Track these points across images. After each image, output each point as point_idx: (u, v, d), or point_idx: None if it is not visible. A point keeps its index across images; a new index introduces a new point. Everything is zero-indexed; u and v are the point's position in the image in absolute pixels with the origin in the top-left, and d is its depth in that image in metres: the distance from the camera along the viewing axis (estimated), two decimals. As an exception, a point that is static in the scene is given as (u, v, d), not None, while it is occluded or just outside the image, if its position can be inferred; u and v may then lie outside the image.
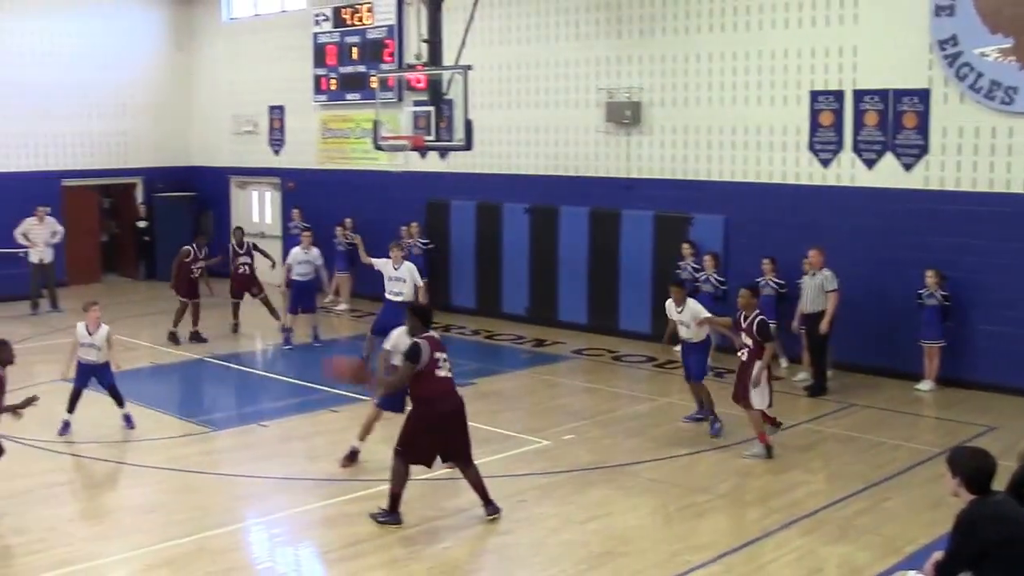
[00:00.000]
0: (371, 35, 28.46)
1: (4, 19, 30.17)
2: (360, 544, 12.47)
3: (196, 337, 23.92)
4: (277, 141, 31.86)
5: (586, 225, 24.29)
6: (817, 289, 19.43)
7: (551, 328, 24.69)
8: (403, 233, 26.25)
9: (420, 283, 20.43)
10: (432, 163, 26.64)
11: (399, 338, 14.23)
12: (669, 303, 17.30)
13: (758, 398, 15.65)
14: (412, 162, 24.22)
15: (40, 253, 27.59)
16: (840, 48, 20.62)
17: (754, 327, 15.72)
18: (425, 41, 22.42)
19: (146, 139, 33.38)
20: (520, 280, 25.50)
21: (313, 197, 30.02)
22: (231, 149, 33.38)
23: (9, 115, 30.32)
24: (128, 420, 17.19)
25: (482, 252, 26.14)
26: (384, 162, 25.56)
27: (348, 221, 28.01)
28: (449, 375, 13.04)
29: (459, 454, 13.20)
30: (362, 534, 12.75)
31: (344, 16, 29.13)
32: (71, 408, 16.88)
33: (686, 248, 21.91)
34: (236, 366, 22.09)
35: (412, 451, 12.99)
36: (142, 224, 32.94)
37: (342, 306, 27.75)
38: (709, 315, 17.28)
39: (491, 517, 13.21)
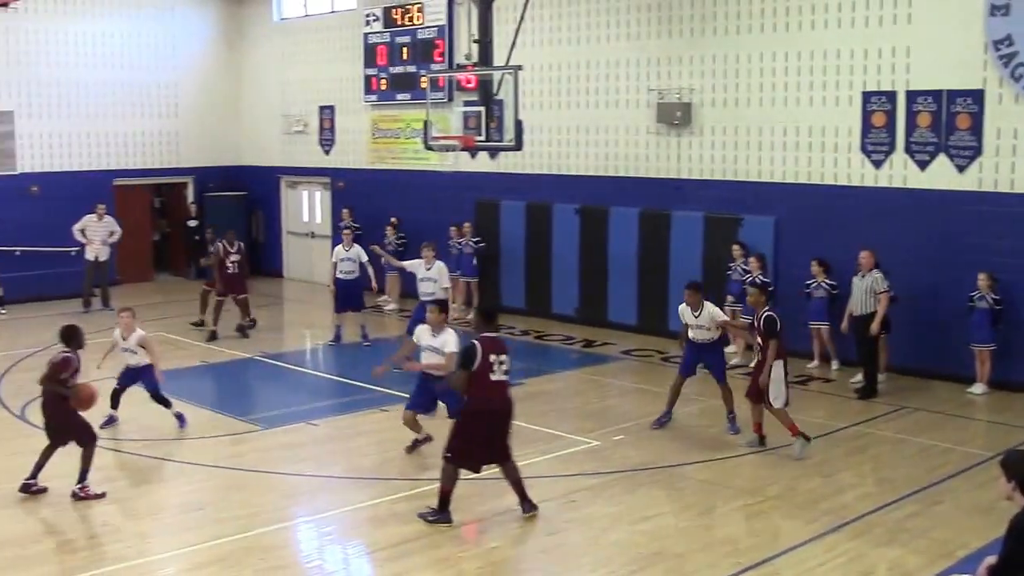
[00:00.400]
0: (421, 35, 28.50)
1: (57, 20, 30.45)
2: (409, 543, 12.48)
3: (242, 329, 24.55)
4: (327, 141, 31.96)
5: (636, 226, 24.23)
6: (867, 291, 19.31)
7: (600, 329, 24.65)
8: (452, 233, 26.33)
9: (448, 284, 20.88)
10: (482, 163, 26.64)
11: (421, 333, 15.00)
12: (683, 308, 17.29)
13: (775, 396, 15.68)
14: (462, 162, 24.20)
15: (96, 251, 27.77)
16: (893, 48, 20.45)
17: (761, 324, 15.73)
18: (475, 41, 22.40)
19: (197, 138, 33.59)
20: (570, 280, 25.46)
21: (363, 197, 30.11)
22: (281, 149, 33.51)
23: (62, 114, 30.65)
24: (181, 419, 17.33)
25: (532, 252, 26.12)
26: (434, 162, 25.58)
27: (394, 220, 28.07)
28: (503, 378, 13.05)
29: (501, 454, 13.24)
30: (410, 533, 12.77)
31: (394, 16, 29.17)
32: (114, 405, 17.14)
33: (736, 249, 21.80)
34: (286, 365, 22.17)
35: (460, 457, 13.07)
36: (193, 223, 33.12)
37: (392, 305, 27.77)
38: (726, 318, 17.46)
39: (528, 515, 13.27)
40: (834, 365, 20.73)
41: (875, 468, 15.70)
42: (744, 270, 21.49)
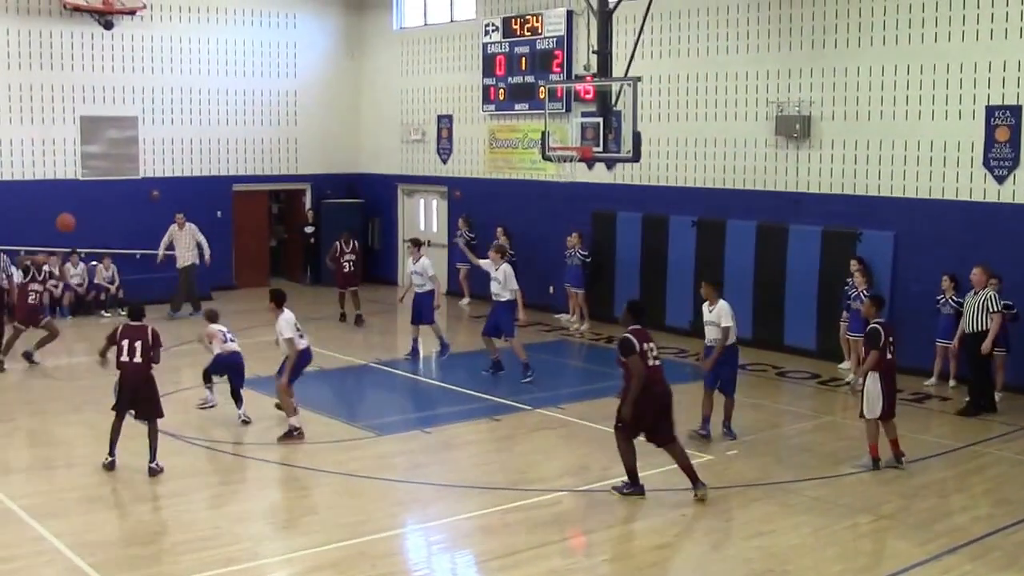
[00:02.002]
0: (540, 45, 28.53)
1: (179, 27, 30.97)
2: (518, 554, 12.49)
3: (359, 320, 26.91)
4: (445, 150, 32.11)
5: (753, 239, 24.04)
6: (979, 308, 18.98)
7: (715, 342, 24.45)
8: (567, 243, 26.27)
9: (516, 286, 21.21)
10: (598, 174, 26.60)
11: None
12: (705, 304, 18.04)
13: (867, 408, 15.66)
14: (578, 173, 24.19)
15: (185, 257, 28.04)
16: (1018, 62, 20.07)
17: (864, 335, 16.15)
18: (594, 52, 22.42)
19: (315, 146, 33.93)
20: (685, 293, 25.28)
21: (479, 206, 30.21)
22: (399, 157, 33.72)
23: (183, 120, 31.18)
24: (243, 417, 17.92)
25: (647, 264, 25.99)
26: (551, 173, 25.60)
27: (499, 230, 28.16)
28: (658, 363, 14.42)
29: (664, 434, 14.38)
30: (520, 544, 12.78)
31: (514, 26, 29.25)
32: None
33: (854, 264, 21.55)
34: (399, 372, 22.29)
35: (628, 426, 14.28)
36: (310, 229, 33.45)
37: (465, 300, 27.78)
38: (730, 324, 17.65)
39: (699, 495, 14.22)
40: (951, 384, 20.39)
41: (993, 489, 15.35)
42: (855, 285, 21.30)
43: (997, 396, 19.39)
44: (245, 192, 32.63)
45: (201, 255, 28.34)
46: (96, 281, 27.98)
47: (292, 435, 16.99)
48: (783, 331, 23.52)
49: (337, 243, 27.31)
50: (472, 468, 15.91)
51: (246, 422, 17.68)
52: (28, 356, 22.06)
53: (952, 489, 15.07)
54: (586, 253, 26.36)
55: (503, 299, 21.10)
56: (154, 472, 14.96)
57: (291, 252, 35.04)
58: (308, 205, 34.26)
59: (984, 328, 18.85)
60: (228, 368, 18.21)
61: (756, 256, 24.01)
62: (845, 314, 21.37)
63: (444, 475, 15.54)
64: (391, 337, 24.34)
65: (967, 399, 19.26)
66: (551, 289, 27.33)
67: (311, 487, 15.09)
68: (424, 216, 33.34)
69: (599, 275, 26.62)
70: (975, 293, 19.11)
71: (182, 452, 16.32)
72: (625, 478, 14.40)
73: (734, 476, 15.42)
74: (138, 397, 15.22)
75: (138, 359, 15.17)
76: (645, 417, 14.20)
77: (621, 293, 26.35)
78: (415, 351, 23.40)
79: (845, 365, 21.57)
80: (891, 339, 15.69)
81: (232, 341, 18.44)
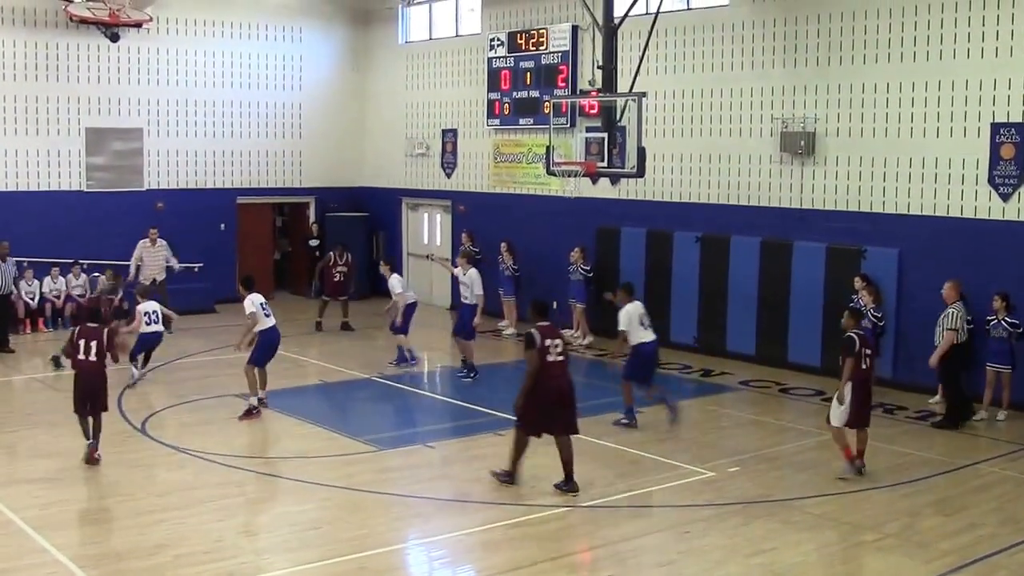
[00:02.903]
0: (545, 60, 28.54)
1: (185, 40, 31.05)
2: (520, 570, 12.45)
3: (346, 327, 27.94)
4: (449, 164, 32.11)
5: (757, 255, 24.02)
6: (942, 323, 19.35)
7: (719, 358, 24.43)
8: (571, 258, 26.20)
9: (480, 292, 22.41)
10: (603, 190, 26.60)
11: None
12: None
13: (833, 414, 16.13)
14: (582, 188, 24.17)
15: (153, 273, 27.74)
16: (1024, 79, 20.15)
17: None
18: (599, 67, 22.42)
19: (320, 159, 33.95)
20: (689, 309, 25.28)
21: (483, 220, 30.19)
22: (403, 171, 33.72)
23: (188, 132, 31.25)
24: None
25: (651, 280, 25.91)
26: (555, 187, 25.58)
27: (503, 245, 28.15)
28: (561, 358, 15.17)
29: (561, 427, 15.16)
30: (522, 559, 12.74)
31: (519, 41, 29.26)
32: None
33: (858, 281, 21.50)
34: (402, 386, 22.24)
35: (526, 423, 15.14)
36: (314, 243, 33.42)
37: (510, 330, 27.73)
38: (625, 328, 18.85)
39: (565, 490, 14.98)
40: (1000, 416, 19.76)
41: (997, 508, 15.24)
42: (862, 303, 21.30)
43: (1002, 414, 19.40)
44: (249, 205, 32.66)
45: (169, 271, 28.31)
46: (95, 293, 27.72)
47: (251, 413, 18.79)
48: (787, 348, 23.46)
49: (331, 254, 28.39)
50: (474, 483, 15.82)
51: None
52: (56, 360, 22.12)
53: (957, 508, 14.97)
54: (588, 268, 26.30)
55: (468, 302, 22.51)
56: (92, 459, 16.01)
57: (295, 265, 34.97)
58: (312, 218, 34.24)
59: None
60: (148, 346, 21.22)
61: (760, 272, 23.97)
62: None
63: (446, 490, 15.52)
64: (393, 352, 24.25)
65: (943, 413, 19.52)
66: (554, 305, 27.21)
67: (312, 501, 15.01)
68: (428, 230, 33.31)
69: (603, 290, 26.51)
70: (945, 308, 19.36)
71: (183, 465, 16.32)
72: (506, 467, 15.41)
73: (736, 493, 15.35)
74: (92, 393, 16.19)
75: (93, 358, 16.14)
76: (544, 408, 14.98)
77: (625, 308, 26.32)
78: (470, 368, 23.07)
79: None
80: (868, 350, 16.02)
81: (155, 323, 21.28)
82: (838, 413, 15.92)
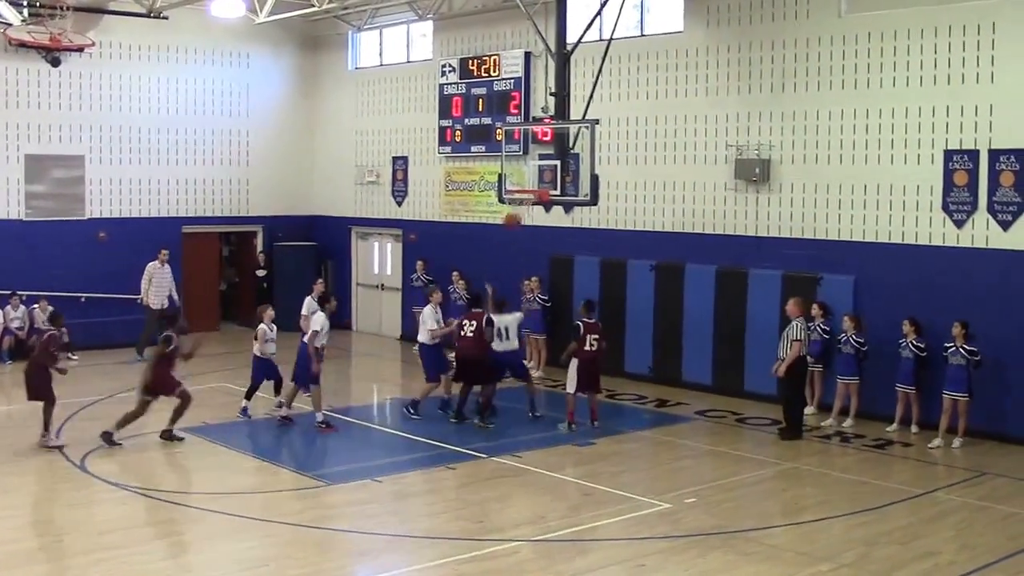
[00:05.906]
0: (497, 87, 28.32)
1: (129, 65, 30.54)
2: (473, 607, 12.14)
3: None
4: (400, 192, 31.79)
5: (713, 283, 23.83)
6: (786, 336, 20.14)
7: (674, 388, 24.20)
8: (524, 288, 25.83)
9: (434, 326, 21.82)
10: (556, 218, 26.36)
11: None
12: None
13: (568, 383, 20.75)
14: (535, 216, 23.94)
15: (162, 299, 27.57)
16: (976, 107, 20.04)
17: None
18: (552, 94, 22.23)
19: (268, 187, 33.51)
20: (644, 338, 25.06)
21: (435, 249, 29.86)
22: (353, 199, 33.38)
23: (132, 160, 30.70)
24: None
25: (606, 309, 25.54)
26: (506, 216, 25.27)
27: (455, 274, 27.75)
28: (470, 335, 20.73)
29: (474, 380, 20.98)
30: (476, 597, 12.42)
31: (471, 67, 29.03)
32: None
33: (815, 308, 21.36)
34: (352, 419, 21.83)
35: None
36: (261, 273, 32.97)
37: (537, 372, 26.22)
38: (434, 327, 21.64)
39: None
40: (913, 429, 20.19)
41: (956, 536, 15.10)
42: (823, 330, 21.26)
43: (957, 442, 19.36)
44: (195, 233, 32.13)
45: (171, 298, 27.95)
46: (36, 325, 26.55)
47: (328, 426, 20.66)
48: (743, 377, 23.25)
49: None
50: (426, 517, 15.56)
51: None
52: None
53: (913, 535, 14.83)
54: (546, 297, 26.01)
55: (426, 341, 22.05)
56: (45, 444, 18.52)
57: (242, 295, 34.40)
58: (260, 248, 33.78)
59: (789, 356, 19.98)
60: None
61: (716, 300, 23.80)
62: (811, 359, 21.00)
63: (397, 525, 15.19)
64: (343, 384, 23.90)
65: (781, 423, 20.32)
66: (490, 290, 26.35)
67: (259, 538, 14.63)
68: (379, 259, 32.96)
69: (557, 320, 26.21)
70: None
71: (125, 502, 15.91)
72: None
73: (693, 525, 15.10)
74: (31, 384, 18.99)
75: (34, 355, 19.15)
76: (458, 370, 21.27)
77: (578, 338, 26.06)
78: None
79: (810, 410, 21.31)
80: (595, 335, 20.68)
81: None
82: (570, 382, 20.61)
